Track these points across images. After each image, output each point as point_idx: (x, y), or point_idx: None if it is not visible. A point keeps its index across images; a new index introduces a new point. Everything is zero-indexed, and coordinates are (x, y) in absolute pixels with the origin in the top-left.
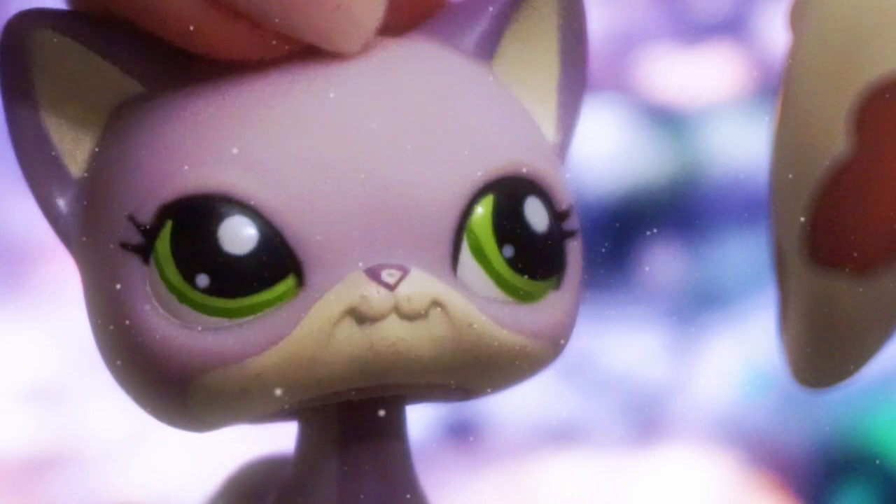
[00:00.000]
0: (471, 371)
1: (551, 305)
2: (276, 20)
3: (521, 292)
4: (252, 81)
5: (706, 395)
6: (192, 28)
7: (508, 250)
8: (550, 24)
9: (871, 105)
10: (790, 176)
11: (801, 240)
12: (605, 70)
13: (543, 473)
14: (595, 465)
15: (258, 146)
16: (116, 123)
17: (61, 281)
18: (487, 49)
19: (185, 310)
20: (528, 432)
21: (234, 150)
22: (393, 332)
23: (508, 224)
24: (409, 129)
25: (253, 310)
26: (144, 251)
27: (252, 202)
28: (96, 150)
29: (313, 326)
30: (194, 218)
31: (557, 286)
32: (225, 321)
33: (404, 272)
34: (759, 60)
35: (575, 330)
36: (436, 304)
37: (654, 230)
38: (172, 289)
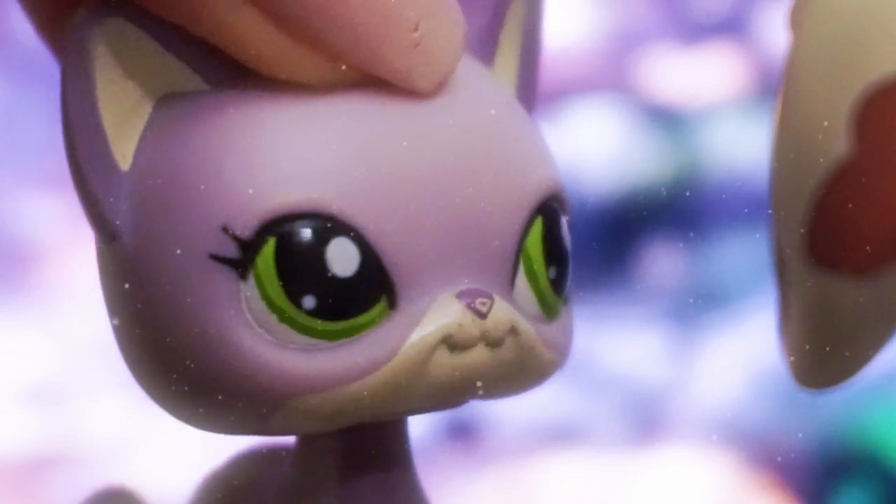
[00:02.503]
0: (506, 387)
1: (567, 319)
2: (350, 56)
3: (554, 310)
4: (334, 98)
5: (706, 395)
6: (261, 52)
7: (553, 271)
8: (519, 26)
9: (871, 106)
10: (790, 177)
11: (801, 240)
12: (605, 70)
13: (543, 473)
14: (595, 465)
15: (354, 167)
16: (174, 119)
17: (61, 281)
18: (492, 54)
19: (284, 329)
20: (528, 432)
21: (333, 170)
22: (480, 359)
23: (554, 245)
24: (478, 153)
25: (350, 332)
26: (241, 265)
27: (354, 223)
28: (151, 145)
29: (413, 353)
30: (301, 237)
31: (566, 301)
32: (323, 343)
33: (492, 300)
34: (759, 60)
35: (575, 329)
36: (513, 331)
37: (654, 230)
38: (274, 308)
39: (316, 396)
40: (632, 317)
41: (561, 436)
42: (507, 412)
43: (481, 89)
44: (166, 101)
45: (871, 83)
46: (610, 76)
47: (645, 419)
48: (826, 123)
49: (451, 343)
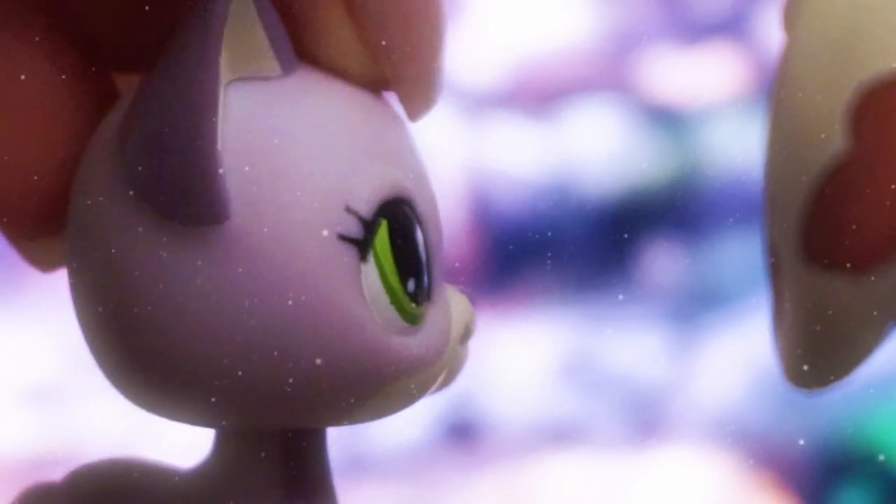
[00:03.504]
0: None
1: None
2: (401, 57)
3: None
4: (370, 97)
5: (706, 395)
6: (330, 42)
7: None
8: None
9: (866, 103)
10: (785, 176)
11: (796, 239)
12: (605, 70)
13: (543, 473)
14: (595, 465)
15: (412, 162)
16: (257, 103)
17: (61, 281)
18: None
19: (391, 311)
20: (528, 432)
21: (405, 160)
22: (466, 352)
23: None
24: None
25: (420, 318)
26: (364, 246)
27: (420, 211)
28: (243, 126)
29: (454, 339)
30: (406, 219)
31: None
32: (411, 327)
33: None
34: (759, 60)
35: (575, 330)
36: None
37: (654, 230)
38: (389, 289)
39: (413, 378)
40: (632, 317)
41: (561, 436)
42: (507, 412)
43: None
44: (242, 84)
45: (865, 81)
46: (610, 76)
47: (645, 419)
48: (821, 122)
49: (467, 333)
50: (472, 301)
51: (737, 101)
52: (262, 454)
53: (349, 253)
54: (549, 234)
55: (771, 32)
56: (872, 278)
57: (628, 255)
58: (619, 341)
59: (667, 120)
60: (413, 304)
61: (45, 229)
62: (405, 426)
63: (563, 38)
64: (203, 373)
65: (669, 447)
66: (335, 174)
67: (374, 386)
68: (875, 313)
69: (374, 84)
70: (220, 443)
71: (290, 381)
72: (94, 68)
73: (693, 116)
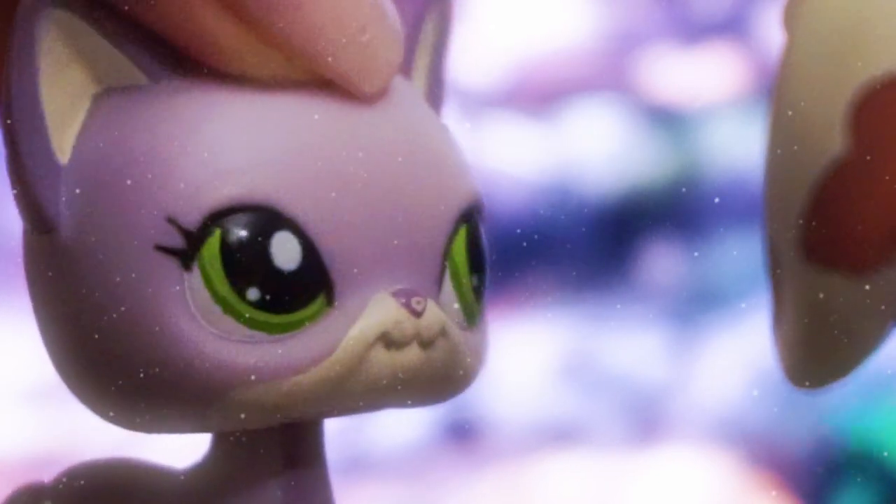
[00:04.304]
0: (432, 392)
1: (484, 329)
2: (302, 53)
3: (474, 318)
4: (277, 96)
5: (706, 395)
6: (215, 44)
7: (475, 279)
8: (431, 42)
9: (866, 104)
10: (785, 176)
11: (796, 239)
12: (605, 70)
13: (543, 473)
14: (595, 465)
15: (296, 163)
16: (116, 112)
17: None
18: (409, 68)
19: (227, 320)
20: (527, 432)
21: (276, 164)
22: (414, 359)
23: (476, 252)
24: (412, 159)
25: (291, 327)
26: (186, 256)
27: (296, 218)
28: (92, 138)
29: (352, 349)
30: (245, 229)
31: (483, 310)
32: (264, 336)
33: (426, 300)
34: (758, 60)
35: (575, 330)
36: (443, 332)
37: (654, 230)
38: (218, 299)
39: (255, 388)
40: (632, 317)
41: (561, 436)
42: (507, 412)
43: (413, 101)
44: (106, 94)
45: (866, 81)
46: (610, 76)
47: (645, 419)
48: (821, 122)
49: (388, 340)
50: (418, 310)
51: (737, 101)
52: (259, 454)
53: (172, 263)
54: (550, 234)
55: (771, 32)
56: (872, 279)
57: (628, 255)
58: (619, 341)
59: (667, 120)
60: (265, 313)
61: None
62: (405, 426)
63: (563, 38)
64: (77, 380)
65: (669, 447)
66: (159, 185)
67: (212, 394)
68: (875, 313)
69: (303, 78)
70: (216, 442)
71: (137, 388)
72: None
73: (693, 116)
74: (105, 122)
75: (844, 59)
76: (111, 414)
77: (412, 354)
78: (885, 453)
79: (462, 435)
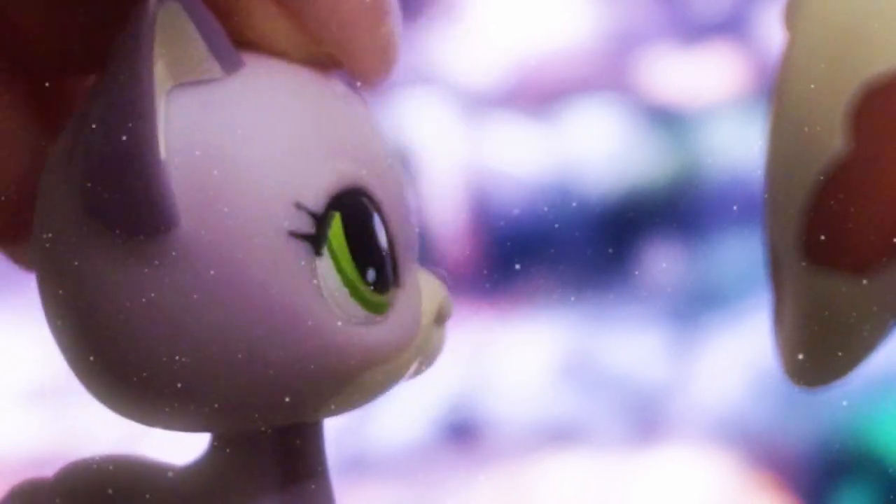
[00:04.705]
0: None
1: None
2: (330, 37)
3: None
4: (321, 90)
5: (706, 395)
6: (258, 27)
7: None
8: None
9: (867, 104)
10: (786, 176)
11: (797, 239)
12: (605, 70)
13: (543, 473)
14: (595, 465)
15: (366, 149)
16: (203, 106)
17: None
18: None
19: (352, 304)
20: (527, 432)
21: (359, 150)
22: (443, 333)
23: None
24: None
25: (385, 307)
26: (316, 241)
27: (378, 200)
28: (186, 131)
29: (426, 323)
30: (360, 210)
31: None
32: (376, 317)
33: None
34: (758, 60)
35: (575, 330)
36: None
37: (654, 230)
38: (347, 282)
39: (380, 369)
40: (632, 317)
41: (561, 436)
42: (507, 412)
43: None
44: (180, 89)
45: (866, 81)
46: (610, 76)
47: (645, 419)
48: (822, 122)
49: (441, 315)
50: (447, 284)
51: (737, 101)
52: (258, 452)
53: (302, 249)
54: (550, 234)
55: (771, 32)
56: (873, 278)
57: (628, 255)
58: (619, 341)
59: (667, 120)
60: (376, 294)
61: (13, 238)
62: (405, 426)
63: (563, 38)
64: (167, 381)
65: (669, 447)
66: (281, 172)
67: (342, 380)
68: (875, 313)
69: (324, 63)
70: (215, 441)
71: (256, 382)
72: (40, 83)
73: (693, 116)
74: (195, 116)
75: (844, 58)
76: (239, 414)
77: (443, 329)
78: (880, 458)
79: (462, 435)
